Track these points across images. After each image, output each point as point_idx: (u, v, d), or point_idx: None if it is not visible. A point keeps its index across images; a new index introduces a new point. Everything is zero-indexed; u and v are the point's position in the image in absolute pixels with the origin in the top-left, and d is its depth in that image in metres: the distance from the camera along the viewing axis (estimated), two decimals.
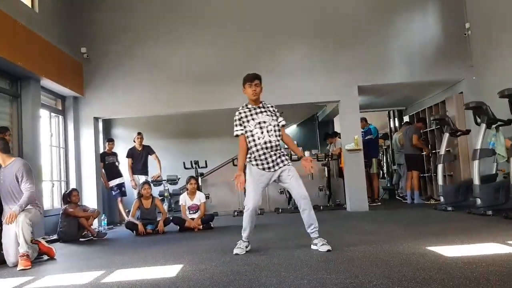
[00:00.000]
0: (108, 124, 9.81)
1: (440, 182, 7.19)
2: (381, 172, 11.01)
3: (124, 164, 8.34)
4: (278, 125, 3.90)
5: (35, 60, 6.38)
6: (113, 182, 8.12)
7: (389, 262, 3.06)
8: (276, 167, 3.83)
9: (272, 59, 7.96)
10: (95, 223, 6.68)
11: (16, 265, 4.02)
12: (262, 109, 3.91)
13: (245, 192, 4.21)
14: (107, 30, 8.17)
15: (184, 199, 6.52)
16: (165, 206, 7.58)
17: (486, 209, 5.69)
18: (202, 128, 10.45)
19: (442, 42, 7.83)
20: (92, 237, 6.10)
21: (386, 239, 4.16)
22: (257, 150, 3.83)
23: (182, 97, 7.96)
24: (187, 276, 3.06)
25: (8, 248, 4.17)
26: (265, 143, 3.81)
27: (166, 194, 8.18)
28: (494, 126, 5.95)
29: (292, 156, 6.70)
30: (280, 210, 8.38)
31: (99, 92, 7.96)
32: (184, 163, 8.66)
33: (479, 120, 6.11)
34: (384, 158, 11.94)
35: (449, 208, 6.68)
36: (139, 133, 8.28)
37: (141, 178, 7.95)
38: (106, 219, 6.96)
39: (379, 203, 8.64)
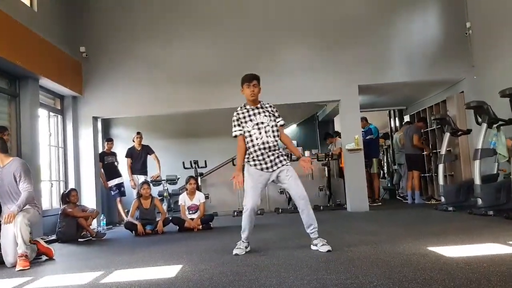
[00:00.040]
0: (107, 124, 9.79)
1: (441, 182, 7.17)
2: (381, 172, 10.99)
3: (123, 164, 8.32)
4: (276, 126, 3.91)
5: (33, 59, 6.36)
6: (112, 182, 8.11)
7: (390, 262, 3.05)
8: (275, 167, 3.83)
9: (272, 59, 7.94)
10: (94, 223, 6.67)
11: (14, 266, 4.00)
12: (260, 110, 3.92)
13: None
14: (107, 29, 8.15)
15: (184, 199, 6.50)
16: (165, 206, 7.56)
17: (487, 209, 5.66)
18: (201, 128, 10.43)
19: (443, 41, 7.80)
20: (91, 238, 6.08)
21: (386, 240, 4.15)
22: (255, 151, 3.84)
23: (182, 97, 7.94)
24: (187, 277, 3.05)
25: (6, 248, 4.15)
26: (263, 143, 3.82)
27: (165, 194, 8.17)
28: (495, 125, 5.93)
29: (292, 157, 6.68)
30: (280, 210, 8.36)
31: (98, 92, 7.94)
32: (183, 163, 8.64)
33: (480, 120, 6.09)
34: (385, 158, 11.92)
35: (450, 208, 6.65)
36: (138, 133, 8.26)
37: (140, 178, 7.92)
38: (105, 219, 6.96)
39: (380, 203, 8.62)
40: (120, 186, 8.16)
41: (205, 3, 8.28)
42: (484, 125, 5.91)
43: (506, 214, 5.18)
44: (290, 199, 8.30)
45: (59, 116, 7.73)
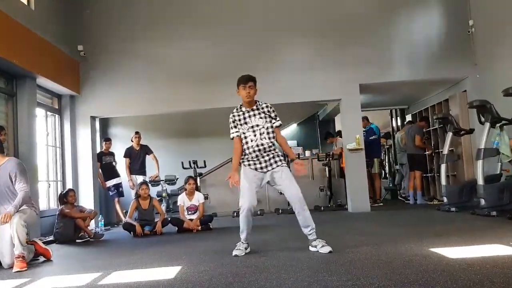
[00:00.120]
0: (105, 123, 9.75)
1: (443, 182, 7.13)
2: (383, 172, 10.94)
3: (121, 164, 8.27)
4: (272, 127, 3.91)
5: (31, 58, 6.32)
6: (110, 182, 8.08)
7: (391, 263, 3.02)
8: (269, 167, 3.84)
9: (272, 59, 7.90)
10: (92, 224, 6.62)
11: (11, 267, 3.97)
12: (256, 111, 3.91)
13: None
14: (105, 28, 8.11)
15: (183, 200, 6.46)
16: (163, 207, 7.53)
17: (490, 209, 5.61)
18: (201, 128, 10.42)
19: (445, 39, 7.75)
20: (89, 238, 6.05)
21: (388, 240, 4.12)
22: (250, 153, 3.87)
23: (181, 97, 7.91)
24: (186, 278, 3.02)
25: (3, 249, 4.11)
26: (257, 145, 3.85)
27: (164, 194, 8.15)
28: (498, 125, 5.90)
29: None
30: (280, 211, 8.32)
31: (96, 91, 7.89)
32: (182, 163, 8.60)
33: (483, 119, 6.03)
34: (386, 157, 11.88)
35: (453, 209, 6.60)
36: (136, 133, 8.22)
37: (139, 178, 7.89)
38: (103, 220, 6.92)
39: (381, 204, 8.59)
40: (118, 186, 8.13)
41: (205, 3, 8.25)
42: (487, 125, 5.86)
43: (510, 214, 5.13)
44: None
45: (57, 115, 7.69)
